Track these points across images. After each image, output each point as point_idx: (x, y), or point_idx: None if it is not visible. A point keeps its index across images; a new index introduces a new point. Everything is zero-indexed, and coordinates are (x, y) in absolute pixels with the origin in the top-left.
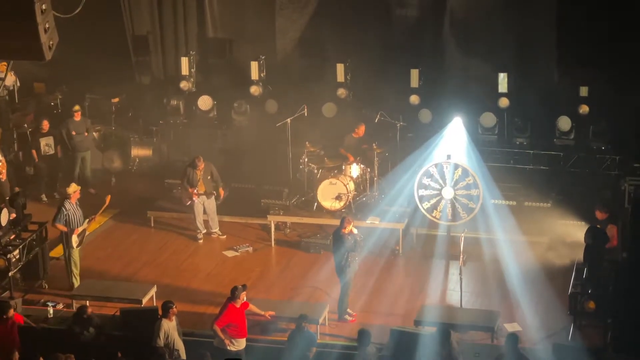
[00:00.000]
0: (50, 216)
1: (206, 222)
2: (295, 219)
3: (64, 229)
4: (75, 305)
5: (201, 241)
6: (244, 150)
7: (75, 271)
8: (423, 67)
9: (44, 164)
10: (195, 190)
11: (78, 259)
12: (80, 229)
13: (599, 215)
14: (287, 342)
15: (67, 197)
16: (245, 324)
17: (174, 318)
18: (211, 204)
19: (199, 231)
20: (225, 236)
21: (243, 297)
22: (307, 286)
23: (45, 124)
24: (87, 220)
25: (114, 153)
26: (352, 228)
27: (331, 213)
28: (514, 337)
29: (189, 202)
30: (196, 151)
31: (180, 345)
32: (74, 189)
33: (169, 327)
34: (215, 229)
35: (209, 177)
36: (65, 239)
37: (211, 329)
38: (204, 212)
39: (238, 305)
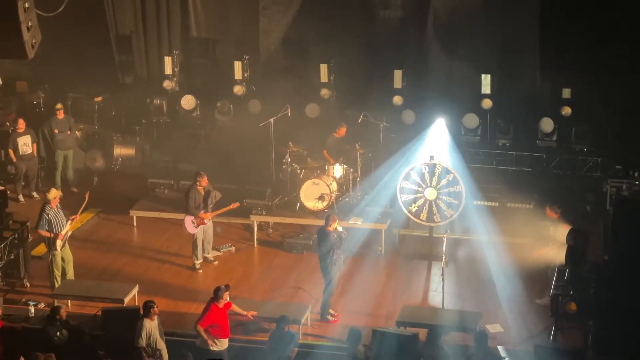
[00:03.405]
0: (31, 215)
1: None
2: (278, 219)
3: (48, 234)
4: (58, 304)
5: (200, 271)
6: (227, 150)
7: (57, 273)
8: (406, 68)
9: (22, 163)
10: (207, 213)
11: (60, 261)
12: (63, 232)
13: (550, 214)
14: (267, 342)
15: (47, 202)
16: (228, 324)
17: (155, 318)
18: (210, 228)
19: (197, 261)
20: (217, 262)
21: (226, 297)
22: (289, 286)
23: (21, 123)
24: (68, 221)
25: (97, 152)
26: (337, 226)
27: (314, 213)
28: (483, 335)
29: (197, 229)
30: (179, 151)
31: (162, 345)
32: (54, 194)
33: (151, 326)
34: (209, 254)
35: (212, 192)
36: (49, 242)
37: (194, 329)
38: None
39: (221, 306)
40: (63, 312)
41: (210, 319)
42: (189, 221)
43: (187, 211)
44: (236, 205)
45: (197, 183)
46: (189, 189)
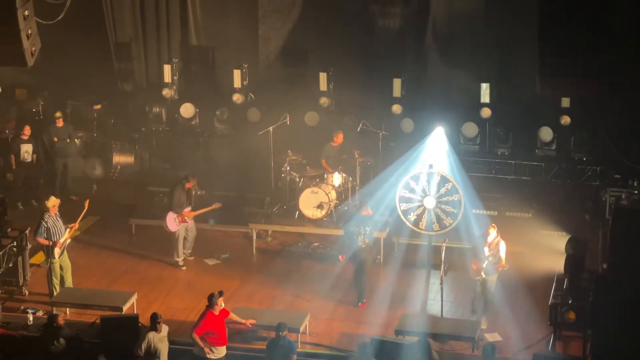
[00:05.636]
0: (30, 223)
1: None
2: (277, 227)
3: (46, 242)
4: (56, 312)
5: (184, 268)
6: (225, 158)
7: (56, 281)
8: (406, 77)
9: (21, 170)
10: (190, 212)
11: (59, 269)
12: (62, 240)
13: (492, 232)
14: (265, 351)
15: (46, 210)
16: (225, 331)
17: (163, 330)
18: (193, 229)
19: (179, 259)
20: (185, 267)
21: (221, 303)
22: (288, 294)
23: (27, 130)
24: (67, 229)
25: (96, 160)
26: (368, 209)
27: (313, 222)
28: (491, 347)
29: (178, 227)
30: (178, 158)
31: (164, 356)
32: (53, 202)
33: (154, 338)
34: (188, 252)
35: (198, 193)
36: (47, 250)
37: (190, 337)
38: (185, 236)
39: (217, 313)
40: (61, 320)
41: (206, 326)
42: (171, 218)
43: (170, 208)
44: (218, 205)
45: (184, 183)
46: (174, 187)
